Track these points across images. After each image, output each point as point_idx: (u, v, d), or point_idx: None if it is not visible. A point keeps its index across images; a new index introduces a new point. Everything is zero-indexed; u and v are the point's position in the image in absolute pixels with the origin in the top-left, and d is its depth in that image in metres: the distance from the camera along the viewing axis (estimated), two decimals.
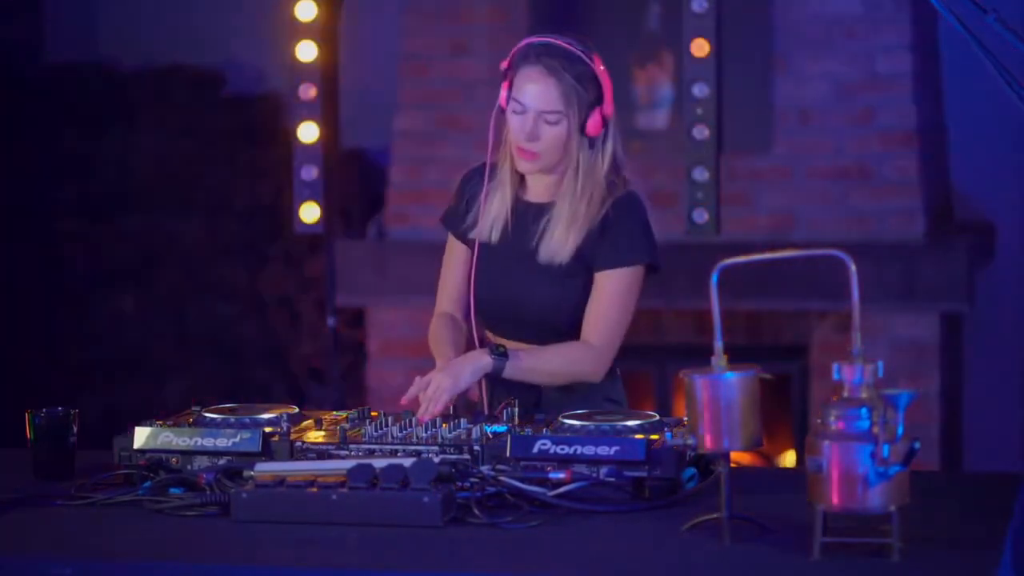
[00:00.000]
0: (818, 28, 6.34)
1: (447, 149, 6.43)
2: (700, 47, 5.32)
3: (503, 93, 3.44)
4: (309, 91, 5.72)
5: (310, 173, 5.71)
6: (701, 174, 5.38)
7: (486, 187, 3.50)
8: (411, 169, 6.60)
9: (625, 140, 3.51)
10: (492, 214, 3.50)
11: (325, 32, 5.74)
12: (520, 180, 3.50)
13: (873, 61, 6.29)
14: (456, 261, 3.58)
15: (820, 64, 6.33)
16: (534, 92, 3.39)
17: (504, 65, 3.45)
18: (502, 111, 3.46)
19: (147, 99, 7.16)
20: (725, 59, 5.39)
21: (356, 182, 6.83)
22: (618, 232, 3.42)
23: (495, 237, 3.50)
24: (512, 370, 3.36)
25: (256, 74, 7.17)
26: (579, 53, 3.41)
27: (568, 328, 3.47)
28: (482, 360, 3.36)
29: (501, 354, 3.36)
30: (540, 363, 3.41)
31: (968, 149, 6.67)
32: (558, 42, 3.42)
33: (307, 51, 5.63)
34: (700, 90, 5.33)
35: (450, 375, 3.31)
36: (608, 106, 3.42)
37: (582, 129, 3.40)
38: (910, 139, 6.26)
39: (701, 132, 5.37)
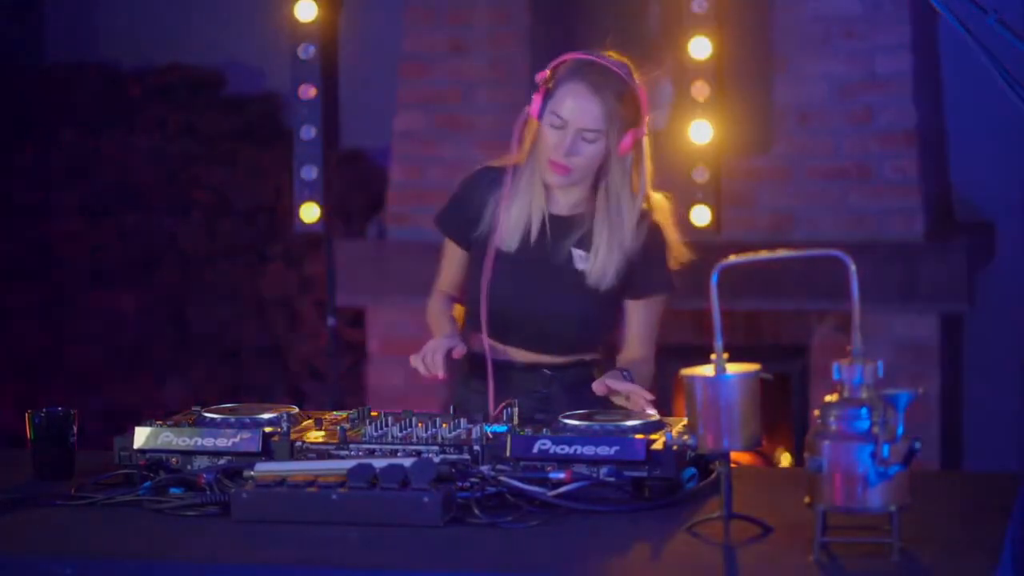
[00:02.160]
0: (818, 28, 6.33)
1: (447, 149, 6.43)
2: (700, 47, 5.32)
3: (536, 103, 3.43)
4: (309, 91, 5.72)
5: (310, 173, 5.71)
6: (701, 174, 5.38)
7: (507, 193, 3.48)
8: (411, 169, 6.60)
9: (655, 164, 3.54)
10: (512, 222, 3.48)
11: (325, 32, 5.74)
12: (547, 190, 3.49)
13: (873, 61, 6.29)
14: (452, 261, 3.59)
15: (820, 64, 6.33)
16: (577, 108, 3.39)
17: (542, 76, 3.44)
18: (527, 118, 3.45)
19: (147, 99, 7.16)
20: (725, 59, 5.40)
21: (356, 182, 6.83)
22: (654, 261, 3.49)
23: (514, 246, 3.49)
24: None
25: (256, 74, 7.17)
26: (623, 75, 3.42)
27: (581, 343, 3.49)
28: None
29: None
30: (645, 373, 3.49)
31: (968, 149, 6.67)
32: (603, 61, 3.43)
33: (307, 51, 5.63)
34: (700, 90, 5.33)
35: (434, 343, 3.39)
36: (643, 128, 3.44)
37: (617, 148, 3.41)
38: (910, 139, 6.26)
39: (701, 132, 5.37)
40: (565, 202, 3.49)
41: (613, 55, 3.48)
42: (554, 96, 3.41)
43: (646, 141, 3.48)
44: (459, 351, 3.41)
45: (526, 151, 3.48)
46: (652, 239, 3.48)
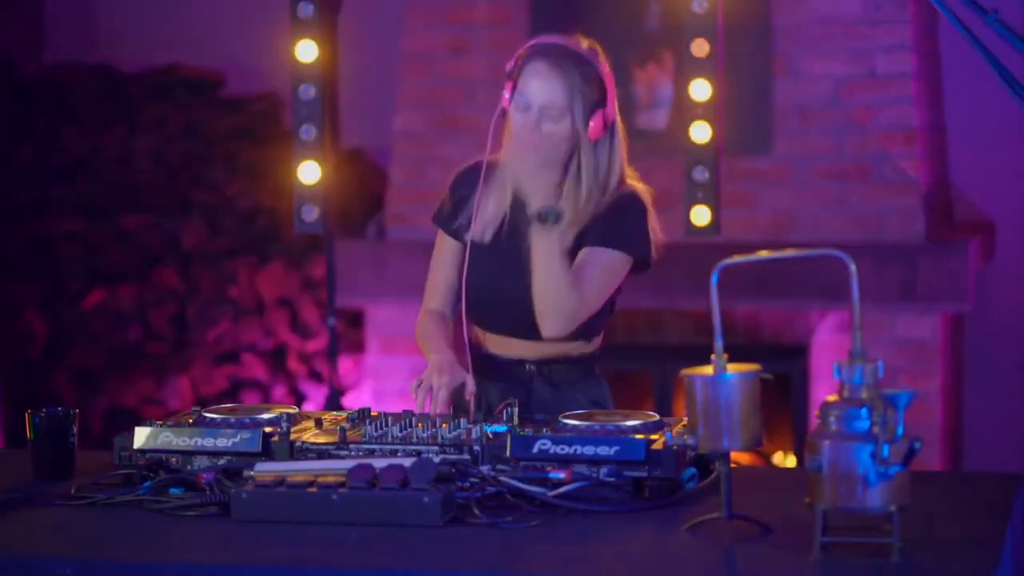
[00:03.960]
0: (818, 28, 6.34)
1: (447, 149, 6.43)
2: (700, 47, 5.32)
3: (506, 94, 3.45)
4: (309, 91, 5.71)
5: (310, 173, 5.71)
6: (701, 174, 5.38)
7: (480, 188, 3.50)
8: (411, 169, 6.60)
9: (629, 146, 3.52)
10: (487, 215, 3.50)
11: (325, 32, 5.74)
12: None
13: (873, 61, 6.29)
14: (446, 259, 3.58)
15: (820, 64, 6.33)
16: (539, 87, 3.40)
17: (509, 66, 3.45)
18: (504, 113, 3.46)
19: (147, 99, 7.16)
20: (725, 59, 5.40)
21: (356, 182, 6.83)
22: (610, 219, 3.44)
23: (488, 238, 3.50)
24: (546, 241, 3.35)
25: (256, 74, 7.18)
26: (585, 54, 3.42)
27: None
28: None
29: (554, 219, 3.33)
30: (551, 265, 3.37)
31: (968, 149, 6.67)
32: (565, 42, 3.44)
33: (307, 51, 5.63)
34: (700, 90, 5.33)
35: (438, 370, 3.34)
36: (612, 109, 3.43)
37: (585, 130, 3.40)
38: (910, 139, 6.26)
39: (701, 132, 5.37)
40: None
41: (581, 39, 3.48)
42: (519, 81, 3.43)
43: (620, 127, 3.48)
44: (470, 391, 3.37)
45: (503, 146, 3.50)
46: (618, 199, 3.45)
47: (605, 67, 3.45)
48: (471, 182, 3.53)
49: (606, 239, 3.43)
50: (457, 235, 3.55)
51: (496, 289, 3.48)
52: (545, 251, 3.36)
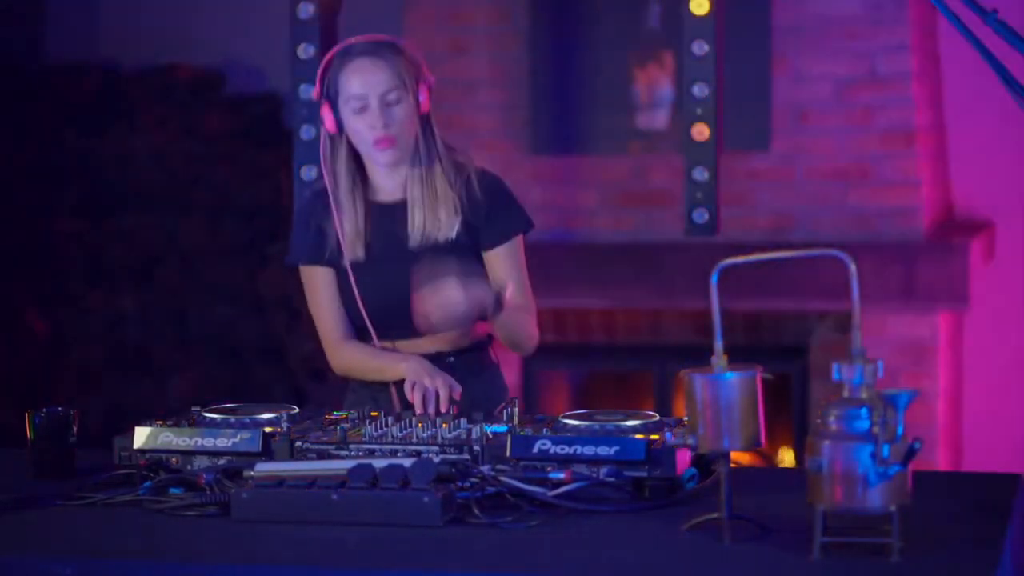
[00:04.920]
0: (818, 28, 6.34)
1: None
2: (700, 47, 5.32)
3: (328, 116, 3.46)
4: (309, 91, 5.71)
5: (310, 173, 5.70)
6: (701, 174, 5.37)
7: (335, 213, 3.50)
8: None
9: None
10: (349, 233, 3.51)
11: (325, 32, 5.74)
12: (364, 190, 3.52)
13: (873, 61, 6.29)
14: (329, 291, 3.57)
15: (820, 64, 6.33)
16: (369, 80, 3.45)
17: (316, 92, 3.47)
18: (330, 138, 3.47)
19: (147, 99, 7.16)
20: (725, 59, 5.39)
21: None
22: (497, 209, 3.50)
23: (361, 253, 3.51)
24: (504, 317, 3.38)
25: (256, 74, 7.17)
26: (385, 38, 3.50)
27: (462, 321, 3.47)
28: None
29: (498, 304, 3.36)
30: (518, 321, 3.46)
31: (968, 149, 6.67)
32: (360, 37, 3.50)
33: (307, 51, 5.62)
34: (700, 90, 5.33)
35: (427, 373, 3.36)
36: (430, 78, 3.51)
37: (417, 108, 3.48)
38: (910, 139, 6.26)
39: (701, 132, 5.36)
40: (392, 187, 3.52)
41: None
42: (339, 92, 3.46)
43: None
44: (457, 391, 3.39)
45: (334, 170, 3.51)
46: (485, 186, 3.51)
47: (404, 42, 3.52)
48: (320, 211, 3.54)
49: (505, 232, 3.51)
50: (331, 263, 3.55)
51: (389, 298, 3.49)
52: (501, 325, 3.41)
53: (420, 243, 3.47)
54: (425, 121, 3.51)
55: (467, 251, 3.47)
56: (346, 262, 3.51)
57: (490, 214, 3.49)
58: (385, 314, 3.51)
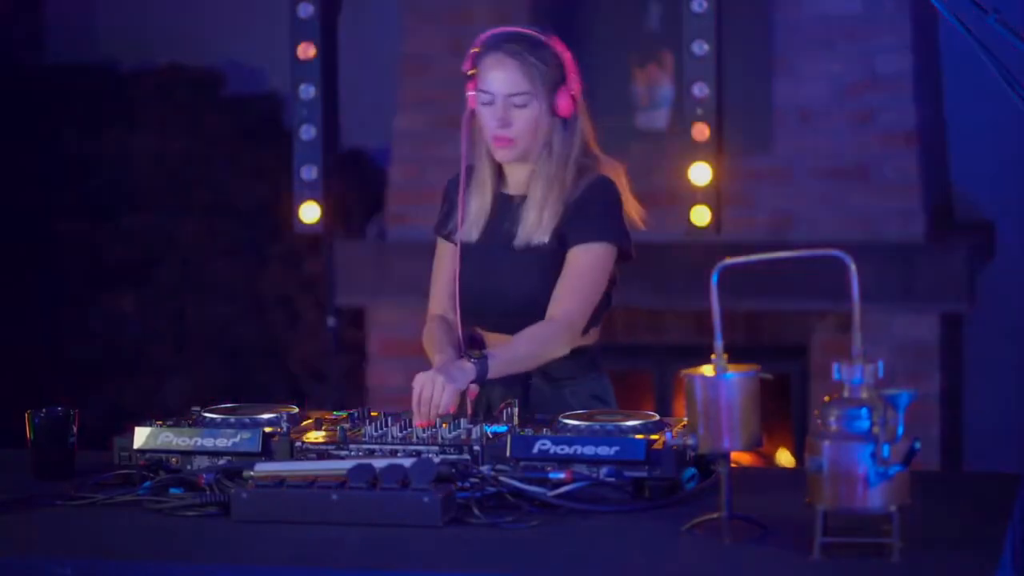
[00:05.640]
0: (818, 28, 6.33)
1: (447, 149, 6.39)
2: (700, 47, 5.32)
3: (470, 94, 3.46)
4: (309, 91, 5.72)
5: (310, 173, 5.71)
6: (701, 174, 5.38)
7: (461, 189, 3.52)
8: (411, 169, 6.60)
9: (595, 122, 3.54)
10: (472, 213, 3.52)
11: (325, 32, 5.74)
12: (499, 176, 3.52)
13: (873, 61, 6.29)
14: (444, 263, 3.59)
15: (820, 64, 6.33)
16: (499, 78, 3.43)
17: (466, 67, 3.47)
18: (472, 114, 3.48)
19: (147, 99, 7.16)
20: (725, 59, 5.40)
21: (356, 182, 6.83)
22: (590, 211, 3.44)
23: (475, 235, 3.52)
24: (494, 370, 3.34)
25: (256, 74, 7.18)
26: (537, 37, 3.47)
27: None
28: (467, 365, 3.33)
29: (480, 359, 3.33)
30: (515, 353, 3.39)
31: (968, 149, 6.67)
32: (514, 29, 3.50)
33: (307, 51, 5.63)
34: (700, 90, 5.34)
35: (443, 374, 3.30)
36: (574, 84, 3.45)
37: (552, 111, 3.43)
38: (910, 139, 6.26)
39: (701, 132, 5.37)
40: (519, 180, 3.51)
41: (526, 26, 3.53)
42: (479, 77, 3.46)
43: (582, 106, 3.49)
44: (473, 391, 3.38)
45: (475, 150, 3.51)
46: (591, 189, 3.46)
47: (559, 45, 3.48)
48: (457, 186, 3.55)
49: (588, 234, 3.44)
50: (450, 238, 3.57)
51: (486, 286, 3.49)
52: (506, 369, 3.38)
53: (524, 243, 3.46)
54: (563, 124, 3.45)
55: (552, 256, 3.45)
56: (458, 239, 3.52)
57: (577, 214, 3.44)
58: (477, 301, 3.50)
